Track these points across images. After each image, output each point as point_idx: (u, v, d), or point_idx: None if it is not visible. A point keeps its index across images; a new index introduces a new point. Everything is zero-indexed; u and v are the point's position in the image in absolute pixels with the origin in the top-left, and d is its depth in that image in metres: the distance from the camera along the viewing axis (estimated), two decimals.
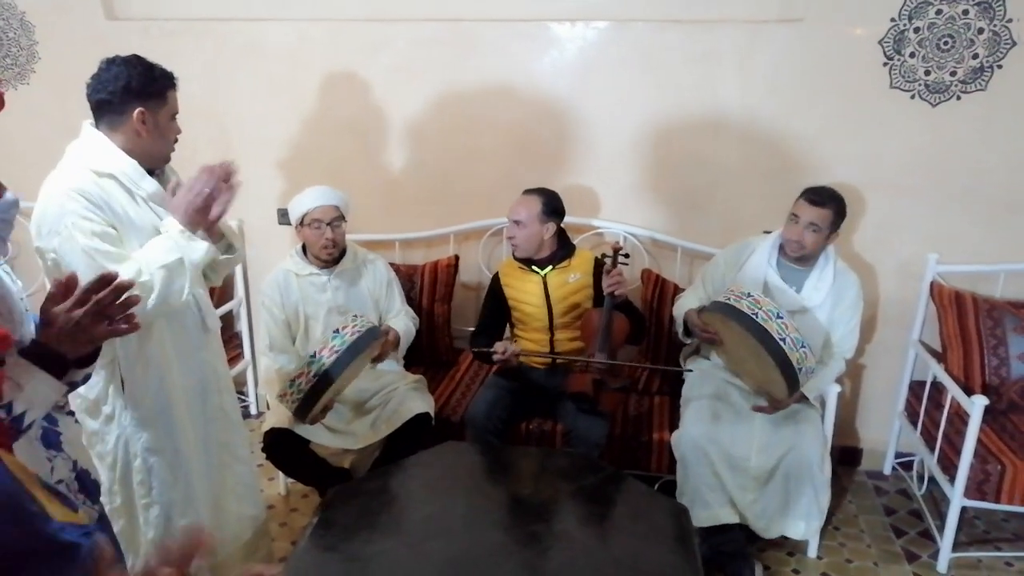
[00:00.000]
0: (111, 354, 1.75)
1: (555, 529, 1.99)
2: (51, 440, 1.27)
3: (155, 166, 1.79)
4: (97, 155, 1.69)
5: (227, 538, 2.04)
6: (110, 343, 1.73)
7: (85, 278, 1.23)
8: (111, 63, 1.70)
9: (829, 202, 2.36)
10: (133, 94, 1.68)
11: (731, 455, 2.31)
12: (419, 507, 2.07)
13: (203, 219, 1.72)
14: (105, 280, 1.21)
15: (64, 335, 1.20)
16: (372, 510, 2.01)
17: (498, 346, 2.48)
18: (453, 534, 1.93)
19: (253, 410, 3.47)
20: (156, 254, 1.67)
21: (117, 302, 1.23)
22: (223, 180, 1.73)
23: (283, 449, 2.41)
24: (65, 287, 1.22)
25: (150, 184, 1.75)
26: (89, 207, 1.64)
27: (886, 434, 2.99)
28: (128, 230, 1.71)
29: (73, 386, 1.35)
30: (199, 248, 1.72)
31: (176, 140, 1.80)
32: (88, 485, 1.32)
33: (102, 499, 1.83)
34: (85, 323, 1.21)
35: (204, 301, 1.94)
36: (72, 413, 1.44)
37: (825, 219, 2.35)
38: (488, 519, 2.03)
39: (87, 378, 1.39)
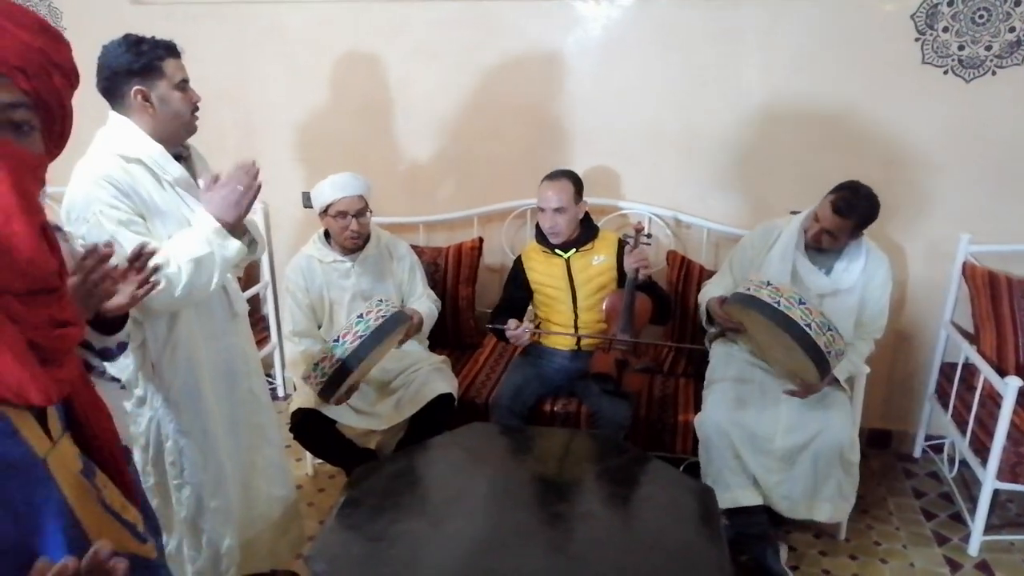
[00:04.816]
0: (140, 337, 1.77)
1: (579, 510, 1.99)
2: None
3: (181, 140, 1.80)
4: (124, 140, 1.71)
5: (257, 518, 2.07)
6: (139, 328, 1.76)
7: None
8: (104, 49, 1.70)
9: (852, 213, 2.26)
10: (124, 75, 1.68)
11: (755, 436, 2.29)
12: (444, 487, 2.08)
13: (236, 213, 1.73)
14: (93, 251, 1.23)
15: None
16: (397, 490, 2.02)
17: (511, 323, 2.48)
18: (477, 514, 1.94)
19: (280, 392, 3.51)
20: (187, 246, 1.68)
21: (97, 273, 1.25)
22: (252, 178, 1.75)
23: (310, 429, 2.44)
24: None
25: (176, 169, 1.76)
26: (117, 195, 1.66)
27: (916, 417, 2.95)
28: (154, 215, 1.73)
29: (103, 355, 1.38)
30: (232, 247, 1.74)
31: (196, 109, 1.78)
32: None
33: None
34: (78, 290, 1.22)
35: (232, 286, 1.97)
36: (117, 380, 1.46)
37: (842, 228, 2.29)
38: (513, 499, 2.04)
39: (122, 347, 1.42)
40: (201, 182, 1.83)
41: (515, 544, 1.84)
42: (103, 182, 1.65)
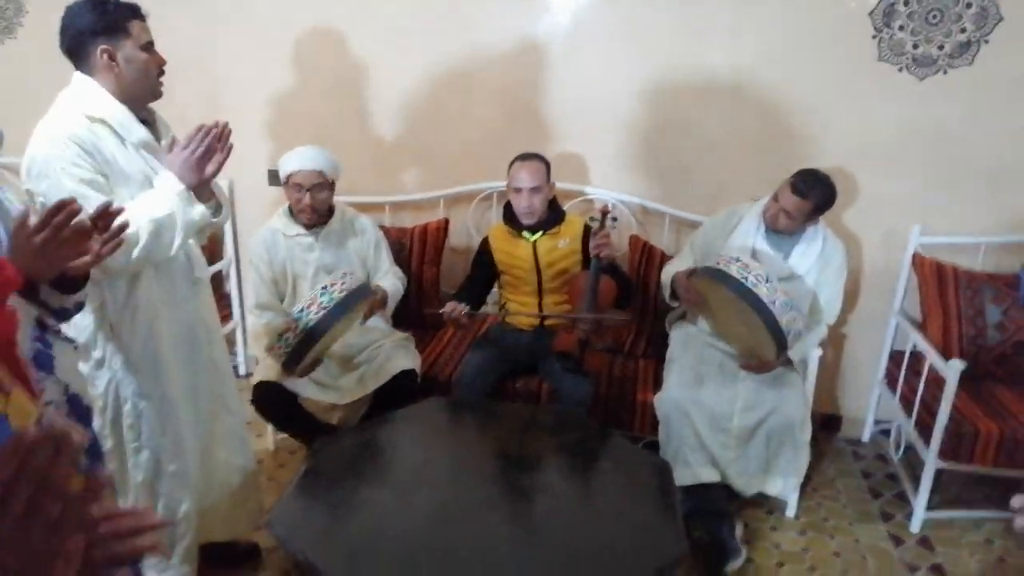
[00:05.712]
0: (99, 298, 1.76)
1: (539, 481, 2.03)
2: (43, 362, 1.28)
3: (146, 102, 1.79)
4: (88, 100, 1.69)
5: (215, 487, 2.06)
6: (97, 288, 1.74)
7: None
8: (68, 9, 1.69)
9: (811, 194, 2.34)
10: (90, 34, 1.67)
11: (713, 414, 2.36)
12: (405, 458, 2.10)
13: (198, 176, 1.72)
14: (62, 206, 1.22)
15: (26, 257, 1.23)
16: (359, 460, 2.04)
17: (448, 305, 2.48)
18: (439, 484, 1.97)
19: (242, 370, 3.48)
20: (147, 207, 1.68)
21: (69, 229, 1.24)
22: (218, 140, 1.74)
23: (272, 402, 2.43)
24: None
25: (140, 130, 1.75)
26: (80, 153, 1.64)
27: (866, 402, 3.05)
28: (117, 177, 1.71)
29: (59, 314, 1.37)
30: (196, 211, 1.74)
31: (162, 73, 1.78)
32: (80, 410, 1.34)
33: None
34: (46, 248, 1.22)
35: (194, 252, 1.96)
36: (71, 340, 1.46)
37: (800, 209, 2.36)
38: (473, 470, 2.07)
39: (79, 307, 1.40)
40: (164, 144, 1.83)
41: (475, 514, 1.87)
42: (66, 139, 1.63)
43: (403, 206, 3.18)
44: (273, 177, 3.16)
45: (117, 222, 1.36)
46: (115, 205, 1.37)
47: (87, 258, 1.30)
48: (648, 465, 2.10)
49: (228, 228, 3.30)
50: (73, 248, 1.24)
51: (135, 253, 1.66)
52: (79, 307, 1.42)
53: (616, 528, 1.83)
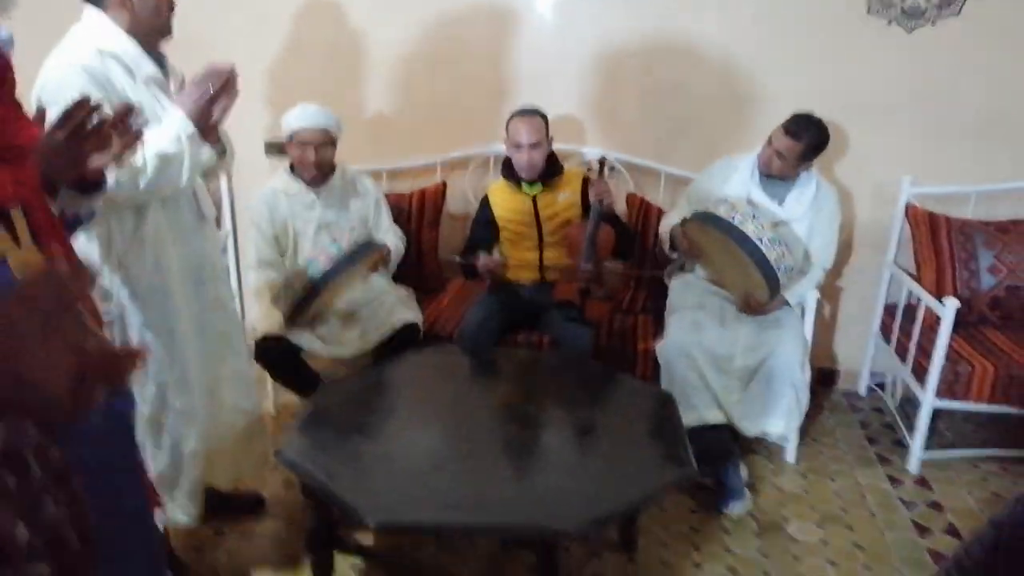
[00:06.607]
0: (106, 229, 1.76)
1: (544, 411, 2.05)
2: None
3: (156, 41, 1.81)
4: (100, 34, 1.72)
5: (220, 429, 2.06)
6: (105, 219, 1.75)
7: None
8: None
9: (803, 135, 2.39)
10: None
11: (716, 356, 2.38)
12: (412, 394, 2.13)
13: (207, 117, 1.74)
14: (82, 104, 1.24)
15: (48, 156, 1.24)
16: (366, 395, 2.06)
17: (480, 255, 2.52)
18: (446, 415, 1.99)
19: None
20: (156, 141, 1.69)
21: (89, 124, 1.25)
22: (225, 84, 1.75)
23: (275, 354, 2.44)
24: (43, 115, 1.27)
25: (150, 66, 1.78)
26: (91, 83, 1.66)
27: (861, 355, 3.08)
28: None
29: (70, 226, 1.38)
30: (204, 151, 1.76)
31: (172, 10, 1.80)
32: None
33: None
34: (67, 144, 1.23)
35: (201, 189, 1.97)
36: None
37: (792, 151, 2.40)
38: (479, 403, 2.10)
39: (89, 217, 1.42)
40: (173, 84, 1.86)
41: (482, 439, 1.89)
42: (79, 69, 1.66)
43: (400, 173, 3.20)
44: (270, 148, 3.18)
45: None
46: (134, 108, 1.36)
47: (104, 159, 1.31)
48: (651, 397, 2.13)
49: (225, 202, 3.30)
50: (92, 144, 1.26)
51: (142, 184, 1.67)
52: (89, 217, 1.43)
53: (620, 451, 1.85)
